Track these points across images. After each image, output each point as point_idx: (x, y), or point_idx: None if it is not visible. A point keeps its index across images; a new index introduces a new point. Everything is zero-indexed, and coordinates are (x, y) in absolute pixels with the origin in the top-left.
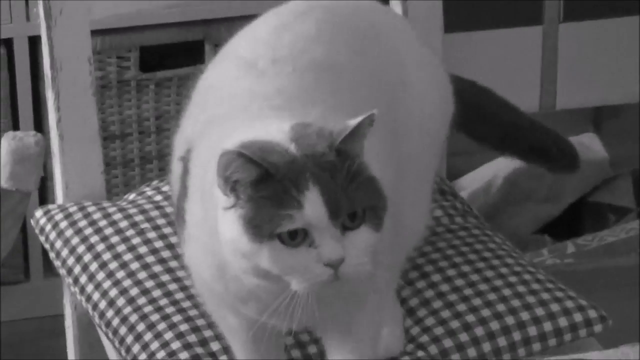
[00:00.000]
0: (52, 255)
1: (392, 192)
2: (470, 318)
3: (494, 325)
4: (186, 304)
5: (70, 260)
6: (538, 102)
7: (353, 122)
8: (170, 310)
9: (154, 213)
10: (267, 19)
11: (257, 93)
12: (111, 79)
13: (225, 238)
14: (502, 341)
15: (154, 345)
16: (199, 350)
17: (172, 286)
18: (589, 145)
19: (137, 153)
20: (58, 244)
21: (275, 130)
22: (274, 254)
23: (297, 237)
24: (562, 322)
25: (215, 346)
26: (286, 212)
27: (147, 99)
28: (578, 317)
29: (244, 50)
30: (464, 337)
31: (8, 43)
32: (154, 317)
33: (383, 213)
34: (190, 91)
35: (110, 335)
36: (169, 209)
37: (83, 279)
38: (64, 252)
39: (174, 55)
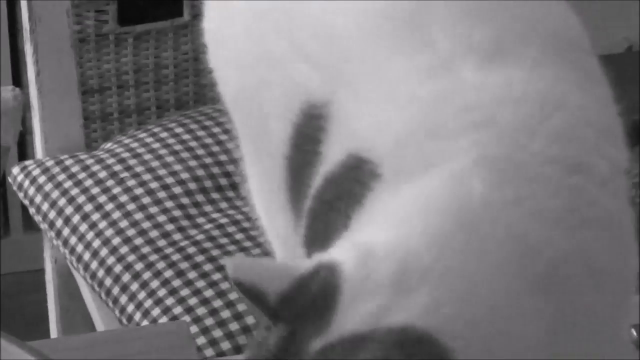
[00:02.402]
0: (32, 210)
1: None
2: None
3: None
4: (169, 250)
5: (52, 214)
6: None
7: None
8: (153, 258)
9: (132, 162)
10: None
11: None
12: (89, 33)
13: None
14: None
15: (141, 295)
16: (185, 292)
17: (154, 233)
18: None
19: (115, 107)
20: (38, 199)
21: None
22: None
23: None
24: None
25: (205, 291)
26: None
27: (126, 53)
28: None
29: None
30: None
31: None
32: (138, 267)
33: None
34: None
35: (96, 287)
36: (147, 156)
37: (65, 231)
38: (45, 207)
39: (152, 9)
